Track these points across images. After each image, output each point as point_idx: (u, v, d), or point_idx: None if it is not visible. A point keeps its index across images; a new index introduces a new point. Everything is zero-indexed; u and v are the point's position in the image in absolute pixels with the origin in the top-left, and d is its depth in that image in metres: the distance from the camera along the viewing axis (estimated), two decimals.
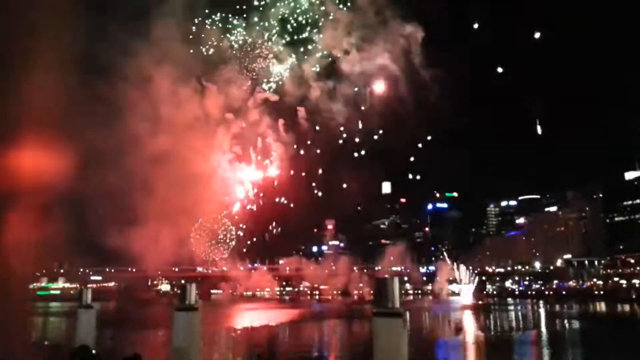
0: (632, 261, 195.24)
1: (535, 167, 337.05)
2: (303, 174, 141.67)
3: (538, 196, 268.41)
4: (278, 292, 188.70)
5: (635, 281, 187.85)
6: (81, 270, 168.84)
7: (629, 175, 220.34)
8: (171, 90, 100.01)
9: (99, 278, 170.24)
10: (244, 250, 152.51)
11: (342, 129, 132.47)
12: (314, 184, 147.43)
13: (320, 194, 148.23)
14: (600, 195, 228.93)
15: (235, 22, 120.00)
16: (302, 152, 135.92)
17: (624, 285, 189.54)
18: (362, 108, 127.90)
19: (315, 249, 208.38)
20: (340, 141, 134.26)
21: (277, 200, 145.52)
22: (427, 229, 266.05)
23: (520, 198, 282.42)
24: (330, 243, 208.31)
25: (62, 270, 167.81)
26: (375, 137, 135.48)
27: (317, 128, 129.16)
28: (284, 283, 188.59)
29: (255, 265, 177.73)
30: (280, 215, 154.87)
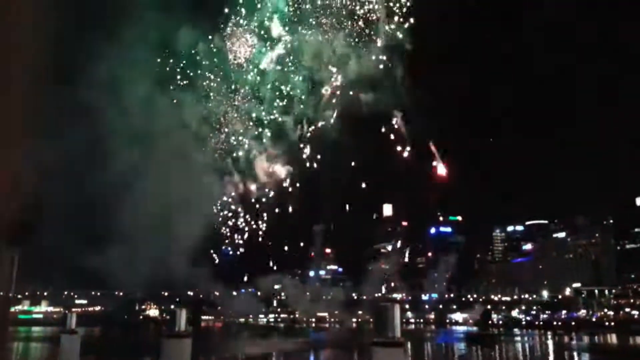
0: None
1: (543, 191, 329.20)
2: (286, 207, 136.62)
3: (546, 221, 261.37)
4: (272, 320, 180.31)
5: None
6: (65, 293, 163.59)
7: None
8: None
9: (84, 302, 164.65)
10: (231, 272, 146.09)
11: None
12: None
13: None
14: (611, 221, 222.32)
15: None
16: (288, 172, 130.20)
17: (636, 316, 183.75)
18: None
19: (312, 273, 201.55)
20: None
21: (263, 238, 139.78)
22: (429, 254, 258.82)
23: (527, 223, 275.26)
24: (328, 267, 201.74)
25: (45, 293, 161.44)
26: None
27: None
28: (278, 309, 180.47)
29: (250, 290, 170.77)
30: (273, 236, 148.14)
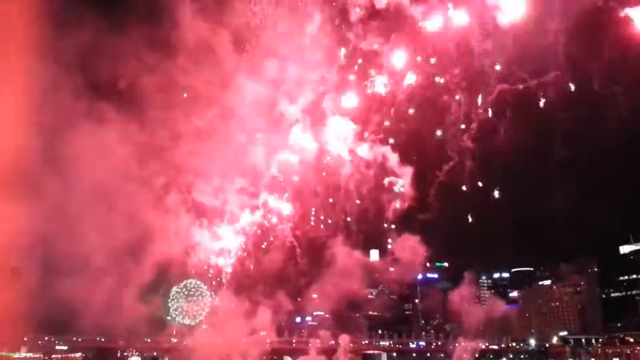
0: (631, 340, 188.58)
1: (529, 238, 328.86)
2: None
3: (531, 269, 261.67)
4: None
5: None
6: (46, 338, 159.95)
7: (624, 249, 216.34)
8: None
9: (65, 348, 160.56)
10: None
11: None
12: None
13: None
14: (596, 269, 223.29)
15: None
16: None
17: None
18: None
19: (298, 319, 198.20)
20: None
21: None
22: (416, 300, 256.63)
23: (513, 270, 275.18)
24: (314, 313, 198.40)
25: (25, 339, 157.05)
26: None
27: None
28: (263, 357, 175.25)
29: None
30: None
